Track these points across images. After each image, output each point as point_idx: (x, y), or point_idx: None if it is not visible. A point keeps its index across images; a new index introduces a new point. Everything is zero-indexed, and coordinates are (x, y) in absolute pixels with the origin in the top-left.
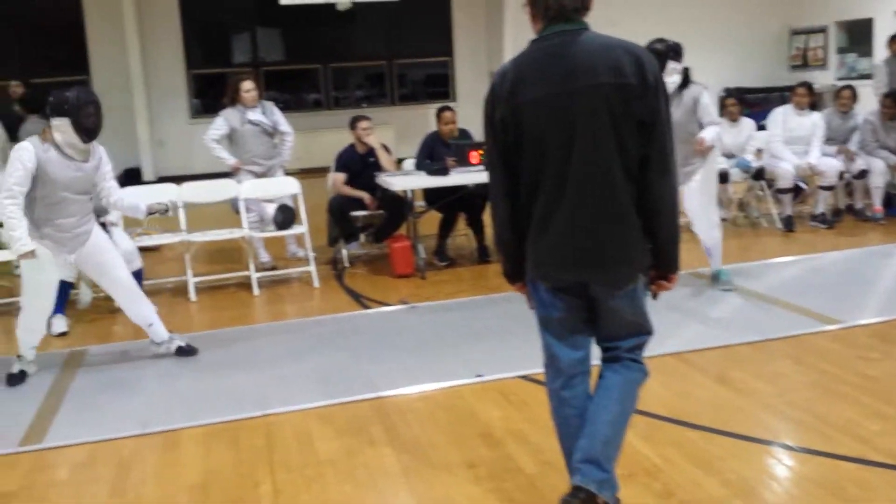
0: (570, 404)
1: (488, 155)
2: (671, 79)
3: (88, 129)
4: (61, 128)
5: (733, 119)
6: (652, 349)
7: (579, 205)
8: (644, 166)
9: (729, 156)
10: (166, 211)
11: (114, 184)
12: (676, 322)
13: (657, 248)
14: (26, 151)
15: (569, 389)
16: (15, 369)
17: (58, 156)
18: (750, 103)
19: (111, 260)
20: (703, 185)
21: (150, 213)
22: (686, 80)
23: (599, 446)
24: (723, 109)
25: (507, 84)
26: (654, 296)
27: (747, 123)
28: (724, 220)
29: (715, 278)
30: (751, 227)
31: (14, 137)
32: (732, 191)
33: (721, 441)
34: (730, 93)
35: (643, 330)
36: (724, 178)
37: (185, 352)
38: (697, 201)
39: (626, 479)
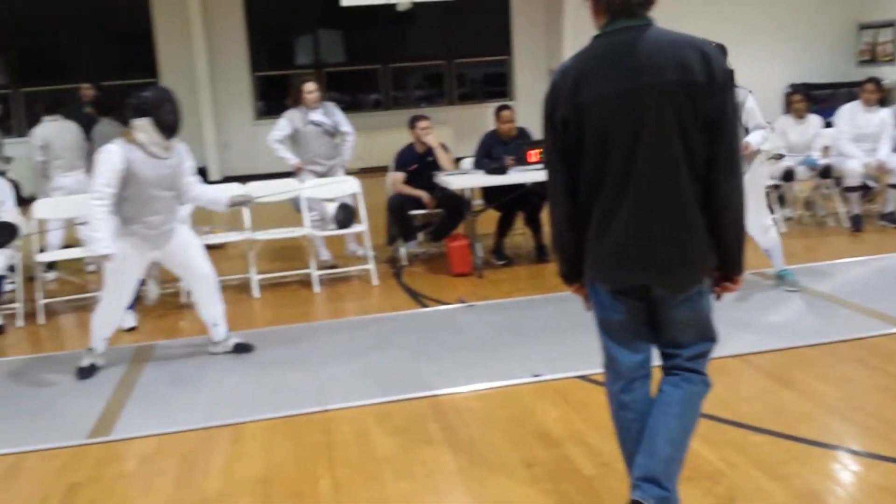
0: (629, 408)
1: (547, 154)
2: None
3: (169, 126)
4: (144, 127)
5: (800, 116)
6: (715, 351)
7: (643, 205)
8: (710, 165)
9: (791, 150)
10: (248, 202)
11: (194, 178)
12: (740, 323)
13: (722, 249)
14: (114, 154)
15: (629, 393)
16: (85, 363)
17: (143, 155)
18: (816, 99)
19: (196, 255)
20: (751, 190)
21: (233, 204)
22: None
23: (659, 465)
24: (789, 106)
25: (568, 82)
26: (718, 297)
27: (814, 120)
28: (789, 218)
29: (780, 279)
30: (817, 226)
31: (88, 139)
32: (798, 189)
33: (785, 445)
34: (795, 88)
35: (707, 336)
36: (790, 176)
37: (243, 348)
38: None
39: (687, 483)
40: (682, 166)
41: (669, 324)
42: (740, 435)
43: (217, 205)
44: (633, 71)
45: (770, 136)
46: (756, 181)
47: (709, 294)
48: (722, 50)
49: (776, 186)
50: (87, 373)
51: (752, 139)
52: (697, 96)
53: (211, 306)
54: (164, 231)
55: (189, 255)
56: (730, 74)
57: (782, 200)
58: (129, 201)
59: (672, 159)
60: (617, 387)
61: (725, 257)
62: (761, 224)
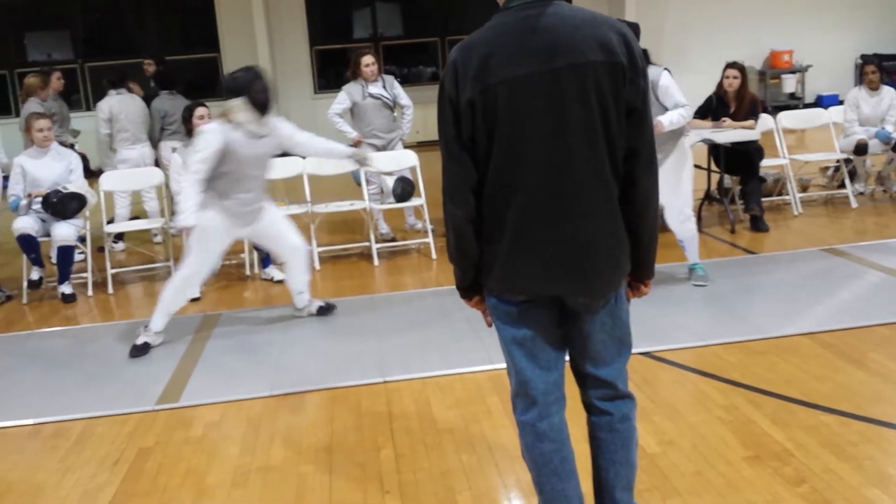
0: (548, 437)
1: (447, 144)
2: None
3: (262, 104)
4: (239, 107)
5: (873, 88)
6: (784, 329)
7: (566, 204)
8: (630, 160)
9: (863, 123)
10: (366, 161)
11: (304, 134)
12: (810, 301)
13: (638, 252)
14: (213, 133)
15: (545, 421)
16: (140, 341)
17: (242, 135)
18: (889, 71)
19: (286, 229)
20: (674, 173)
21: (352, 157)
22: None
23: None
24: (862, 77)
25: (474, 60)
26: (627, 301)
27: (888, 92)
28: (861, 194)
29: (691, 272)
30: (890, 201)
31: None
32: (870, 163)
33: (857, 426)
34: (867, 60)
35: (626, 344)
36: (862, 150)
37: (325, 310)
38: (665, 185)
39: (755, 463)
40: (606, 160)
41: (589, 337)
42: (810, 415)
43: (334, 155)
44: (548, 50)
45: (689, 114)
46: (680, 165)
47: (625, 298)
48: (634, 30)
49: (847, 161)
50: (140, 351)
51: (666, 118)
52: (621, 81)
53: (300, 276)
54: (254, 208)
55: (280, 229)
56: (644, 59)
57: (853, 175)
58: (225, 177)
59: (597, 154)
60: (531, 415)
61: (642, 260)
62: (681, 213)
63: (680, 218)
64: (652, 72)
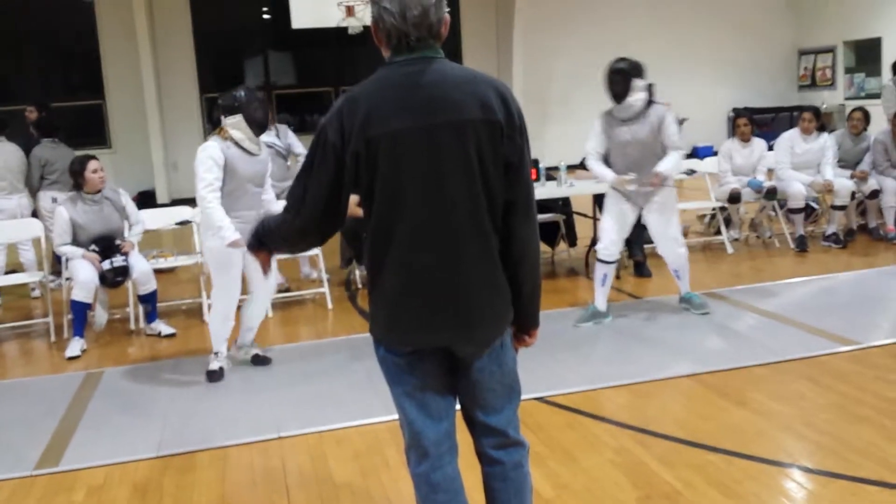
0: (442, 489)
1: (316, 181)
2: (637, 96)
3: (258, 122)
4: (237, 125)
5: (745, 139)
6: (668, 370)
7: (445, 257)
8: (509, 212)
9: (736, 173)
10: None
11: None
12: (693, 343)
13: (521, 302)
14: (212, 149)
15: (439, 472)
16: (214, 366)
17: (238, 151)
18: (759, 123)
19: None
20: (663, 206)
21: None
22: (650, 98)
23: None
24: (734, 130)
25: (359, 113)
26: (515, 351)
27: (759, 144)
28: (736, 240)
29: (687, 302)
30: (763, 247)
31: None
32: (744, 211)
33: (740, 464)
34: (739, 113)
35: (515, 390)
36: (735, 198)
37: (262, 361)
38: (657, 220)
39: (645, 502)
40: (485, 214)
41: (477, 385)
42: (696, 454)
43: None
44: (429, 106)
45: (682, 159)
46: (669, 197)
47: (511, 345)
48: (640, 67)
49: (722, 209)
50: (216, 376)
51: (663, 166)
52: (498, 138)
53: (259, 308)
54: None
55: None
56: (522, 116)
57: (728, 222)
58: (227, 196)
59: (475, 206)
60: (424, 467)
61: (524, 310)
62: (674, 238)
63: (673, 246)
64: (659, 109)
